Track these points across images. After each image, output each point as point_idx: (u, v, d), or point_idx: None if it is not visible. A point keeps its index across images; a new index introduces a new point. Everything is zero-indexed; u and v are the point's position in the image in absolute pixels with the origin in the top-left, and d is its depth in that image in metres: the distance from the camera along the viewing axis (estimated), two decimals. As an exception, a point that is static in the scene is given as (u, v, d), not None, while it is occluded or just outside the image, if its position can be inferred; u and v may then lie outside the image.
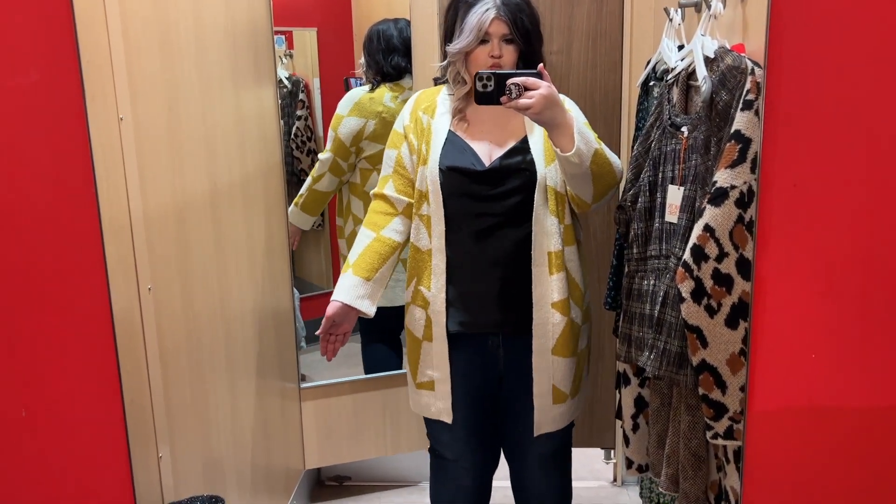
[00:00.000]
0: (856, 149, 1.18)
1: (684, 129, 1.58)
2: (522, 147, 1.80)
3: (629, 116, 2.44)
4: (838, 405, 1.21)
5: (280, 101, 2.31)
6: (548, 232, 1.78)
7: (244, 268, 2.02)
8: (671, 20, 1.84)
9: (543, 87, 1.55)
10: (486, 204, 1.78)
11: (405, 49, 2.40)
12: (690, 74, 1.61)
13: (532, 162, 1.78)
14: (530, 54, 1.76)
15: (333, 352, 1.87)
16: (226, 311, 1.89)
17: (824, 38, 1.15)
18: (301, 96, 2.78)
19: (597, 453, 2.88)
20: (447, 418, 1.89)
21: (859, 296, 1.20)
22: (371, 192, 1.92)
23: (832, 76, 1.16)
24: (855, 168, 1.19)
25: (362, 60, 2.49)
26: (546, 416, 1.86)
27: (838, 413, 1.20)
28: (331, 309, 1.82)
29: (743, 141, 1.34)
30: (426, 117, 1.86)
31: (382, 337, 2.61)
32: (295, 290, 2.49)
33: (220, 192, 1.84)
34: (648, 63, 1.96)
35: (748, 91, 1.34)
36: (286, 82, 2.71)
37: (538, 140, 1.80)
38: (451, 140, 1.82)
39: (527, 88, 1.55)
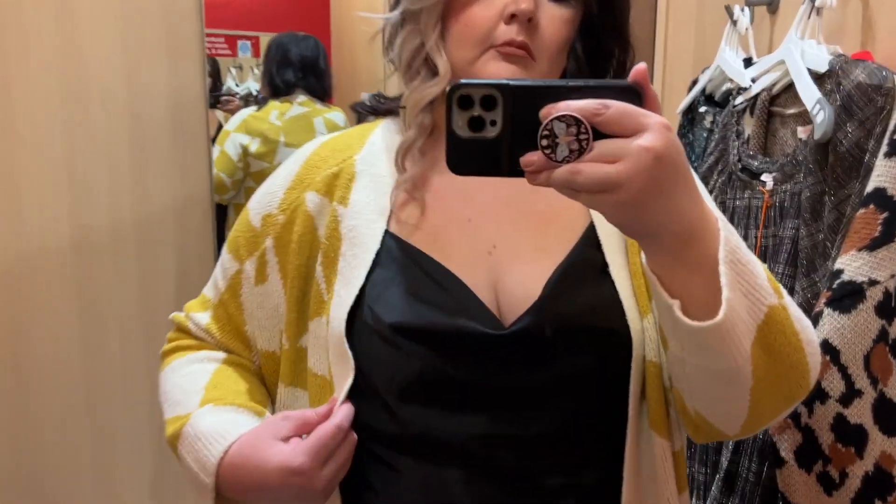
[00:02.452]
0: None
1: (766, 177, 1.08)
2: (590, 258, 0.73)
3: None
4: None
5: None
6: (656, 475, 0.72)
7: (135, 342, 1.48)
8: (735, 23, 1.33)
9: (653, 129, 0.52)
10: (507, 425, 0.71)
11: (301, 65, 2.36)
12: (774, 98, 1.11)
13: (618, 305, 0.71)
14: (600, 44, 0.75)
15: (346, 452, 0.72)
16: (95, 405, 1.36)
17: None
18: (270, 110, 2.67)
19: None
20: None
21: None
22: (171, 316, 0.88)
23: None
24: None
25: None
26: None
27: None
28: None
29: (890, 207, 0.82)
30: (327, 203, 0.79)
31: None
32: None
33: (94, 240, 1.35)
34: (695, 82, 1.46)
35: (899, 125, 0.83)
36: (255, 94, 2.50)
37: (619, 241, 0.74)
38: (393, 254, 0.74)
39: (598, 134, 0.52)
